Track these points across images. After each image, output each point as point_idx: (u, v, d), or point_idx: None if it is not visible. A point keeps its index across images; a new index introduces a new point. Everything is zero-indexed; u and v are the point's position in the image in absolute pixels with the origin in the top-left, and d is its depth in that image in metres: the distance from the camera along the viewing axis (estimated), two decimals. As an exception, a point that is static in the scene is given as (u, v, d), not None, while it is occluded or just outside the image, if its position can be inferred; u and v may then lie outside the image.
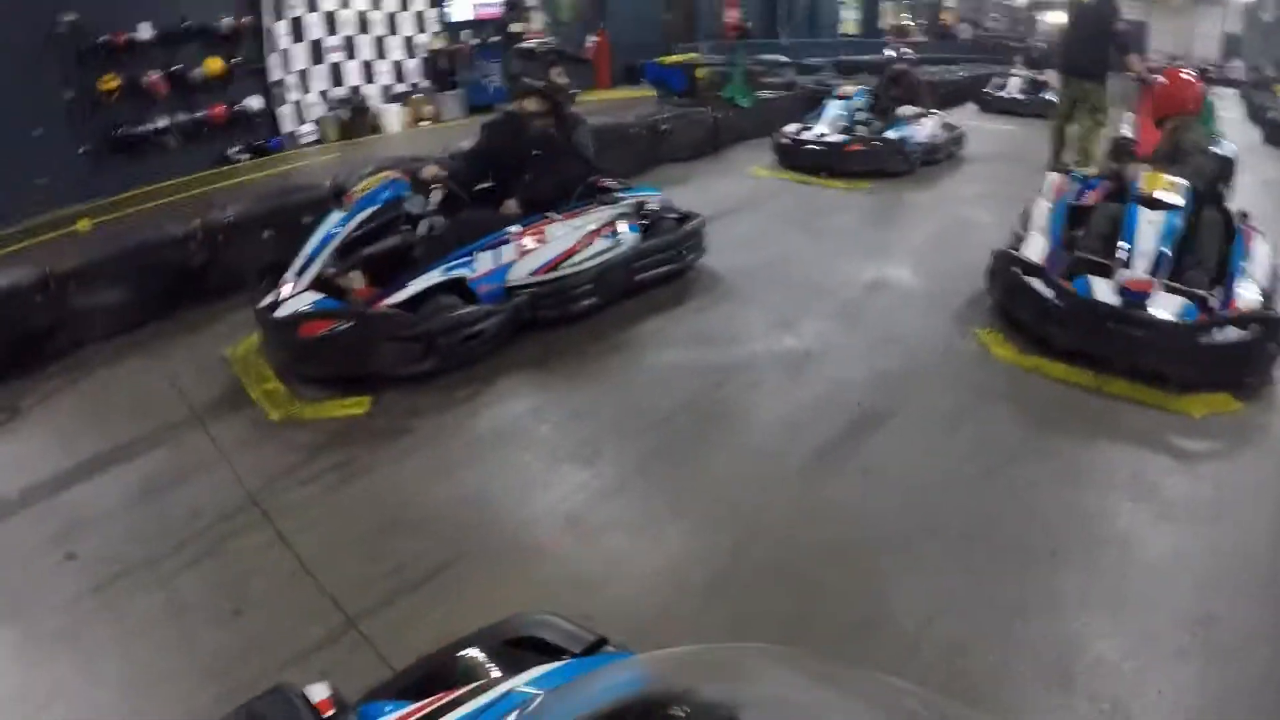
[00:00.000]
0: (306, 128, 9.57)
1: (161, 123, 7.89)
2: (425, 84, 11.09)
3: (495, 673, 1.52)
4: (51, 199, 6.84)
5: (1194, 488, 3.68)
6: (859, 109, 9.94)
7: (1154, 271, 4.59)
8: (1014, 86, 15.17)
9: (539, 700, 1.12)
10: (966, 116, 11.54)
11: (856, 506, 3.51)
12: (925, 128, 10.02)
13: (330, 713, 1.17)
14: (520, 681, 1.38)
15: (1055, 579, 3.08)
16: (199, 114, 8.30)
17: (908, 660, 2.66)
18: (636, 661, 1.18)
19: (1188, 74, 5.93)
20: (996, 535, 3.31)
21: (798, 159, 9.64)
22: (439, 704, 1.33)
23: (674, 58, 12.42)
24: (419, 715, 1.30)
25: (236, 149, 8.73)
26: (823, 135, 9.61)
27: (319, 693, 1.21)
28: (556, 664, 1.48)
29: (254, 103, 8.84)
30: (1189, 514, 3.48)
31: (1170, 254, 4.66)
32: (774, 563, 3.15)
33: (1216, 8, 30.31)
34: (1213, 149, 5.48)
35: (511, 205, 5.25)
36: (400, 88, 10.75)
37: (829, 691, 0.95)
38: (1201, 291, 4.60)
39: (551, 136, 5.34)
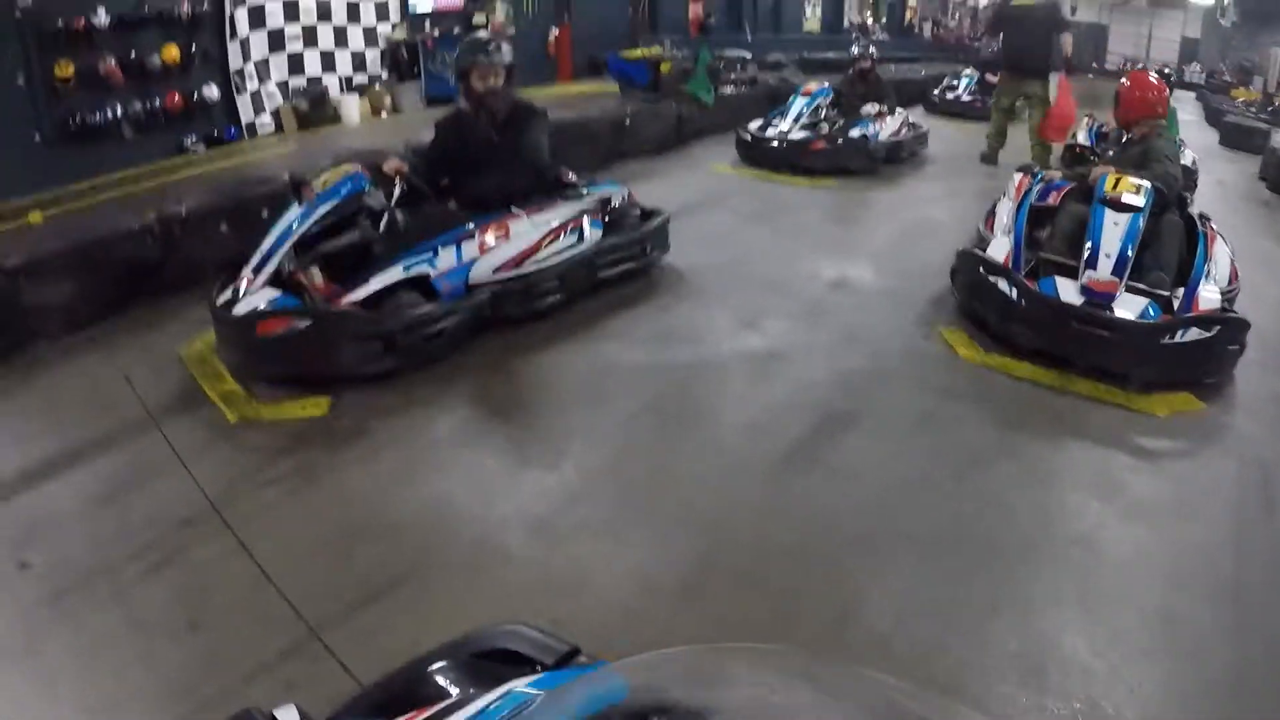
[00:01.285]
0: (264, 118, 9.39)
1: (117, 111, 7.69)
2: (385, 75, 10.93)
3: (467, 688, 1.47)
4: (2, 189, 6.63)
5: (1159, 486, 3.73)
6: (823, 106, 9.96)
7: (1118, 272, 4.63)
8: (964, 88, 15.19)
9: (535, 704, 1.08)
10: (916, 117, 11.58)
11: (826, 508, 3.48)
12: (889, 126, 10.06)
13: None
14: (494, 697, 1.33)
15: (1026, 578, 3.09)
16: (155, 103, 8.08)
17: (880, 660, 2.64)
18: (614, 669, 1.14)
19: (1152, 76, 5.96)
20: (967, 535, 3.31)
21: (761, 156, 9.64)
22: None
23: (637, 52, 12.36)
24: None
25: (193, 139, 8.53)
26: (786, 132, 9.62)
27: (286, 716, 1.15)
28: (530, 678, 1.43)
29: (212, 92, 8.63)
30: (1154, 512, 3.52)
31: (1133, 255, 4.70)
32: (744, 565, 3.12)
33: (1176, 12, 30.83)
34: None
35: (451, 208, 5.18)
36: (360, 78, 10.58)
37: (813, 691, 0.92)
38: (1164, 292, 4.65)
39: (492, 142, 5.21)
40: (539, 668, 1.53)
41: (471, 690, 1.42)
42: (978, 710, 2.28)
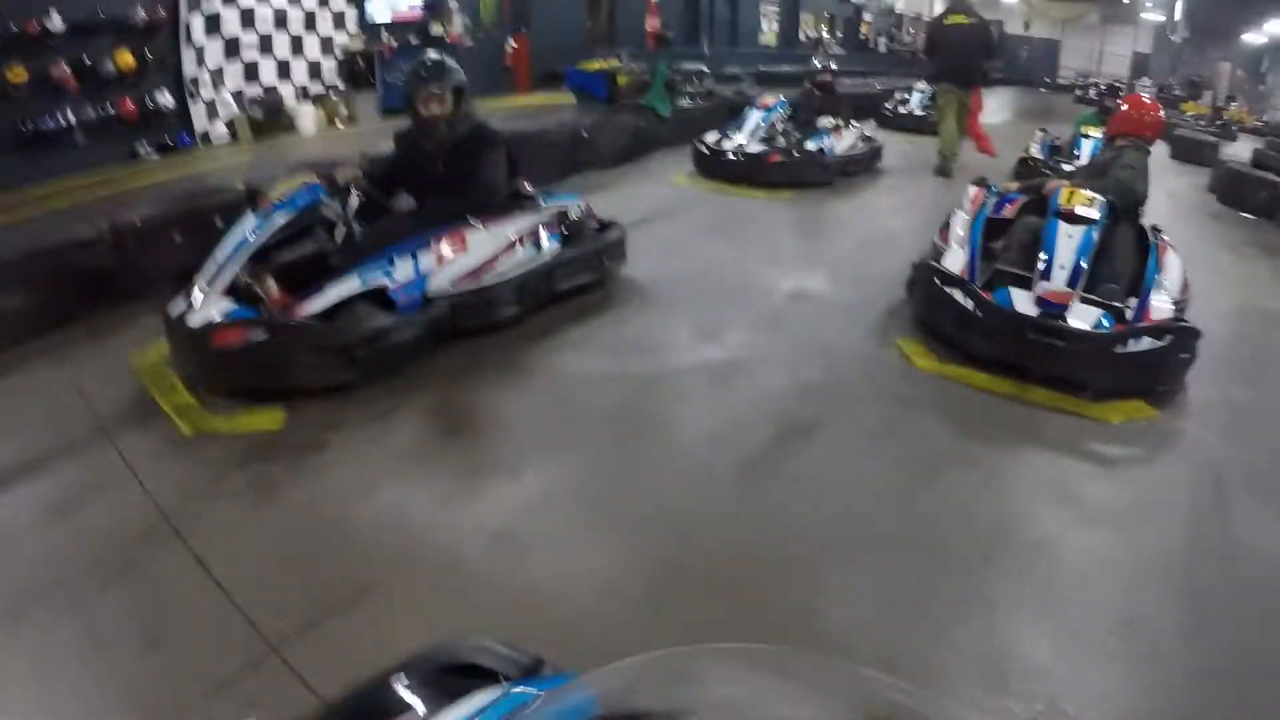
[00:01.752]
0: (219, 126, 9.27)
1: (70, 117, 7.54)
2: (342, 85, 10.84)
3: (431, 702, 1.44)
4: (-47, 194, 6.47)
5: (1115, 492, 3.80)
6: (779, 119, 10.03)
7: (1072, 283, 4.70)
8: (915, 103, 15.33)
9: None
10: (870, 131, 11.68)
11: (788, 517, 3.49)
12: (844, 140, 10.16)
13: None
14: (460, 711, 1.31)
15: (987, 584, 3.13)
16: (109, 109, 7.95)
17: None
18: (587, 680, 1.13)
19: (1147, 97, 6.08)
20: (928, 542, 3.34)
21: (718, 168, 9.68)
22: None
23: (595, 64, 12.38)
24: None
25: (147, 147, 8.39)
26: (743, 145, 9.68)
27: None
28: (495, 690, 1.41)
29: (166, 99, 8.51)
30: (1111, 517, 3.58)
31: (1087, 267, 4.77)
32: (708, 573, 3.11)
33: (1127, 27, 31.51)
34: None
35: (406, 200, 5.05)
36: (316, 88, 10.48)
37: (803, 689, 0.91)
38: (1117, 303, 4.73)
39: (440, 170, 5.08)
40: (503, 680, 1.51)
41: (436, 704, 1.40)
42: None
